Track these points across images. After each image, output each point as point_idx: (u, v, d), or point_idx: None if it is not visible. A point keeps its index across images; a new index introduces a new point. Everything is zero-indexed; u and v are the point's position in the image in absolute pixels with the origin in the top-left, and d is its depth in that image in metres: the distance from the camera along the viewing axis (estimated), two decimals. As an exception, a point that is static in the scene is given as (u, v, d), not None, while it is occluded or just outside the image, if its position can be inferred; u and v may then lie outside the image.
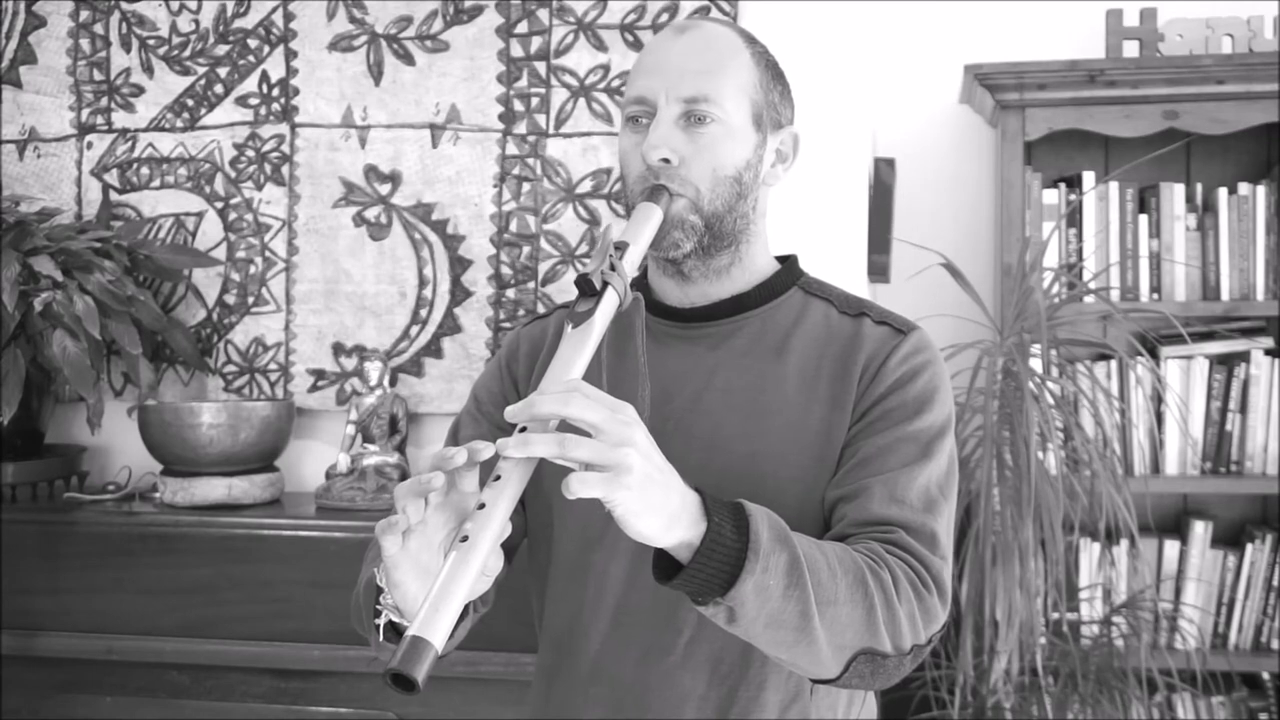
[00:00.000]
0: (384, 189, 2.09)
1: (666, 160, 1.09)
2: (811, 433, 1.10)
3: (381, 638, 0.98)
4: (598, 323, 0.97)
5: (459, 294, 2.07)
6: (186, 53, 2.16)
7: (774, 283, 1.19)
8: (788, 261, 1.22)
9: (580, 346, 0.95)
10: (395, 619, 0.95)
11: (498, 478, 0.86)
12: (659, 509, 0.87)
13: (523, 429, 0.88)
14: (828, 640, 0.94)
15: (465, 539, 0.83)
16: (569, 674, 1.16)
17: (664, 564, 0.94)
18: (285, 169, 2.13)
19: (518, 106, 2.05)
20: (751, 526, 0.91)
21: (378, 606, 0.97)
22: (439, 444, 2.10)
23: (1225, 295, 2.24)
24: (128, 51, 2.18)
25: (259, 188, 2.14)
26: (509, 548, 1.01)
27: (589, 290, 0.98)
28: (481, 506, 0.85)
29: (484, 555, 0.83)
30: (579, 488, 0.83)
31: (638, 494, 0.85)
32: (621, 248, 1.02)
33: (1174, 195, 2.26)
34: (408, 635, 0.79)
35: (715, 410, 1.11)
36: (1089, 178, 2.29)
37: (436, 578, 0.82)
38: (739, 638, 1.02)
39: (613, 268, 0.99)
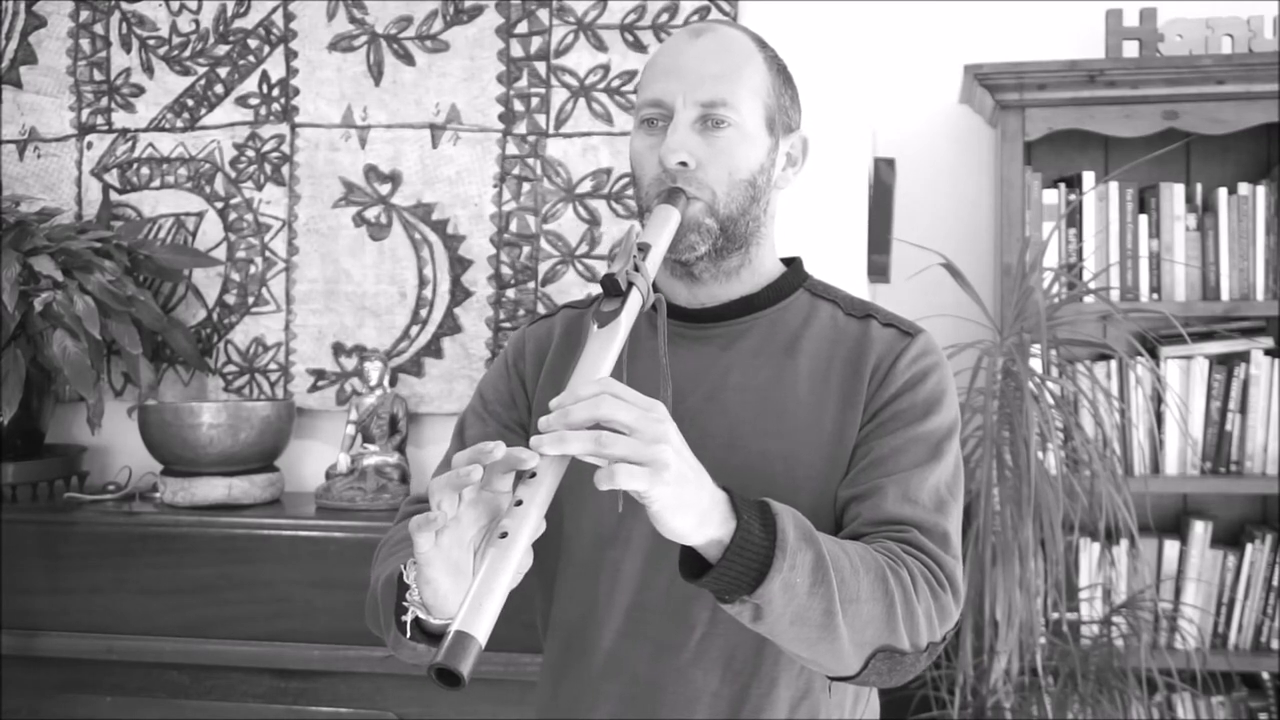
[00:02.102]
0: (384, 189, 2.09)
1: (684, 163, 1.10)
2: (824, 433, 1.11)
3: (408, 635, 0.97)
4: (624, 322, 0.98)
5: (459, 294, 2.07)
6: (186, 53, 2.16)
7: (781, 284, 1.20)
8: (793, 264, 1.24)
9: (607, 346, 0.96)
10: (422, 615, 0.95)
11: (532, 475, 0.87)
12: (691, 505, 0.89)
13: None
14: (850, 637, 0.96)
15: (504, 535, 0.84)
16: (580, 671, 1.16)
17: (688, 562, 0.95)
18: (285, 169, 2.13)
19: (518, 106, 2.05)
20: (779, 524, 0.93)
21: (403, 604, 0.97)
22: (439, 444, 2.10)
23: (1225, 295, 2.24)
24: (128, 51, 2.18)
25: (259, 188, 2.14)
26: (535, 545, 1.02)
27: (614, 290, 0.99)
28: (519, 503, 0.86)
29: (523, 550, 0.84)
30: (625, 480, 0.84)
31: (673, 490, 0.87)
32: (644, 249, 1.03)
33: (1174, 195, 2.26)
34: (451, 630, 0.79)
35: (730, 410, 1.12)
36: (1089, 178, 2.29)
37: (477, 573, 0.83)
38: (751, 635, 1.04)
39: (636, 268, 1.01)
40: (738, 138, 1.11)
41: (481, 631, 0.80)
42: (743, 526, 0.91)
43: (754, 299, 1.18)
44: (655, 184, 1.12)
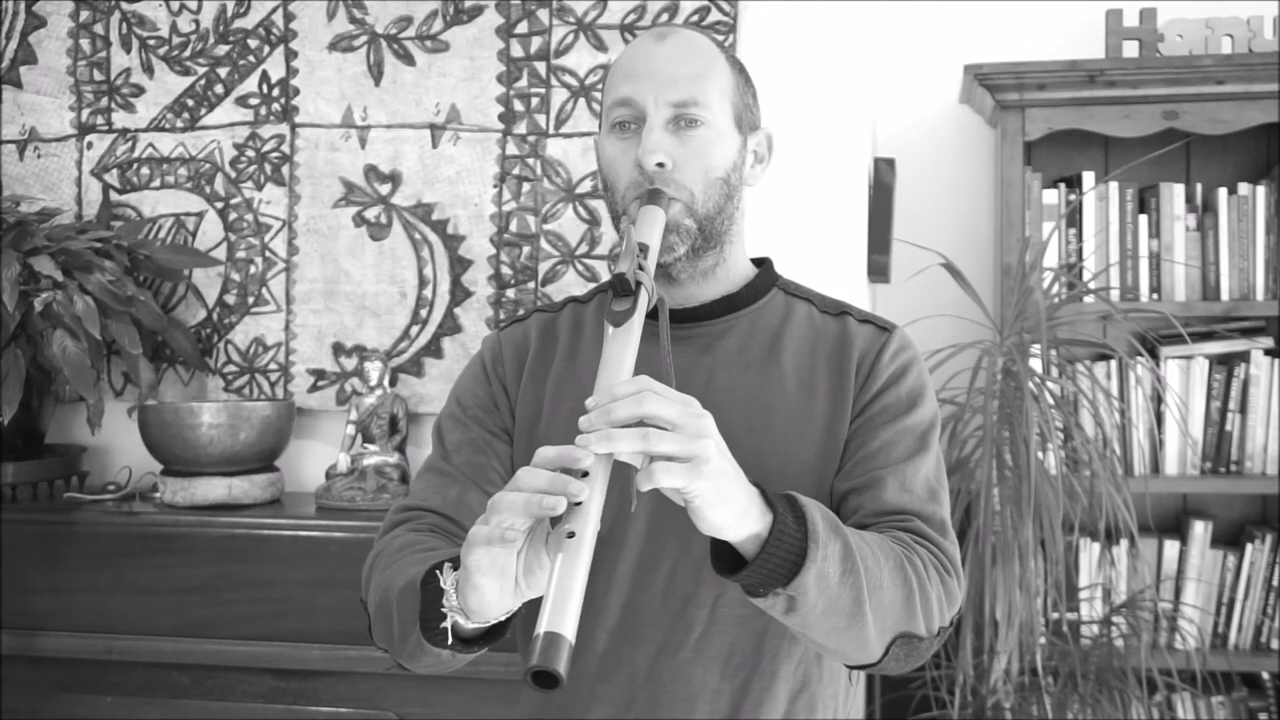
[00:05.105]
0: (384, 189, 2.09)
1: (661, 164, 1.10)
2: (816, 429, 1.13)
3: (449, 640, 0.96)
4: (637, 321, 0.99)
5: (459, 294, 2.07)
6: (186, 53, 2.16)
7: (757, 284, 1.22)
8: (764, 263, 1.26)
9: (626, 345, 0.98)
10: (461, 620, 0.94)
11: (584, 474, 0.88)
12: (731, 500, 0.90)
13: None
14: (874, 624, 0.98)
15: (571, 535, 0.85)
16: (572, 673, 1.15)
17: (716, 558, 0.96)
18: (285, 169, 2.13)
19: (518, 106, 2.05)
20: (808, 516, 0.95)
21: (441, 609, 0.95)
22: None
23: (1225, 295, 2.24)
24: (128, 51, 2.18)
25: (259, 188, 2.14)
26: None
27: (625, 290, 1.00)
28: (578, 503, 0.87)
29: (592, 548, 0.85)
30: (663, 478, 0.86)
31: (714, 484, 0.88)
32: (644, 249, 1.04)
33: (1174, 195, 2.26)
34: (540, 634, 0.80)
35: (719, 409, 1.12)
36: (1089, 178, 2.29)
37: (551, 576, 0.83)
38: (750, 631, 1.08)
39: (641, 267, 1.02)
40: (712, 136, 1.13)
41: (569, 630, 0.81)
42: (779, 519, 0.93)
43: (734, 299, 1.20)
44: (633, 187, 1.13)
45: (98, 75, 2.20)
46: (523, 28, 2.04)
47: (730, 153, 1.15)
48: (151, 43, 2.17)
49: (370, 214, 2.10)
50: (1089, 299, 2.20)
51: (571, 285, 2.02)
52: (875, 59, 2.28)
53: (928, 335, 1.94)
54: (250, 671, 1.83)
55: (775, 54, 1.95)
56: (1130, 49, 2.21)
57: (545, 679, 0.80)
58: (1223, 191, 2.25)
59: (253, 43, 2.13)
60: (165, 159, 2.17)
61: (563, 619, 0.81)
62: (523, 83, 2.05)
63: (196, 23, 2.15)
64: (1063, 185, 2.31)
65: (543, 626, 0.81)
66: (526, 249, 2.05)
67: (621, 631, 1.13)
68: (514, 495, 0.87)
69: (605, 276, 2.01)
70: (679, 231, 1.12)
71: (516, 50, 2.05)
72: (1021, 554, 1.95)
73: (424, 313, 2.08)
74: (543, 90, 2.04)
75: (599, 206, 2.02)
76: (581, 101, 2.02)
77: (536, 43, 2.04)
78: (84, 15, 2.20)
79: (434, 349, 2.09)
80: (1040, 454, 1.99)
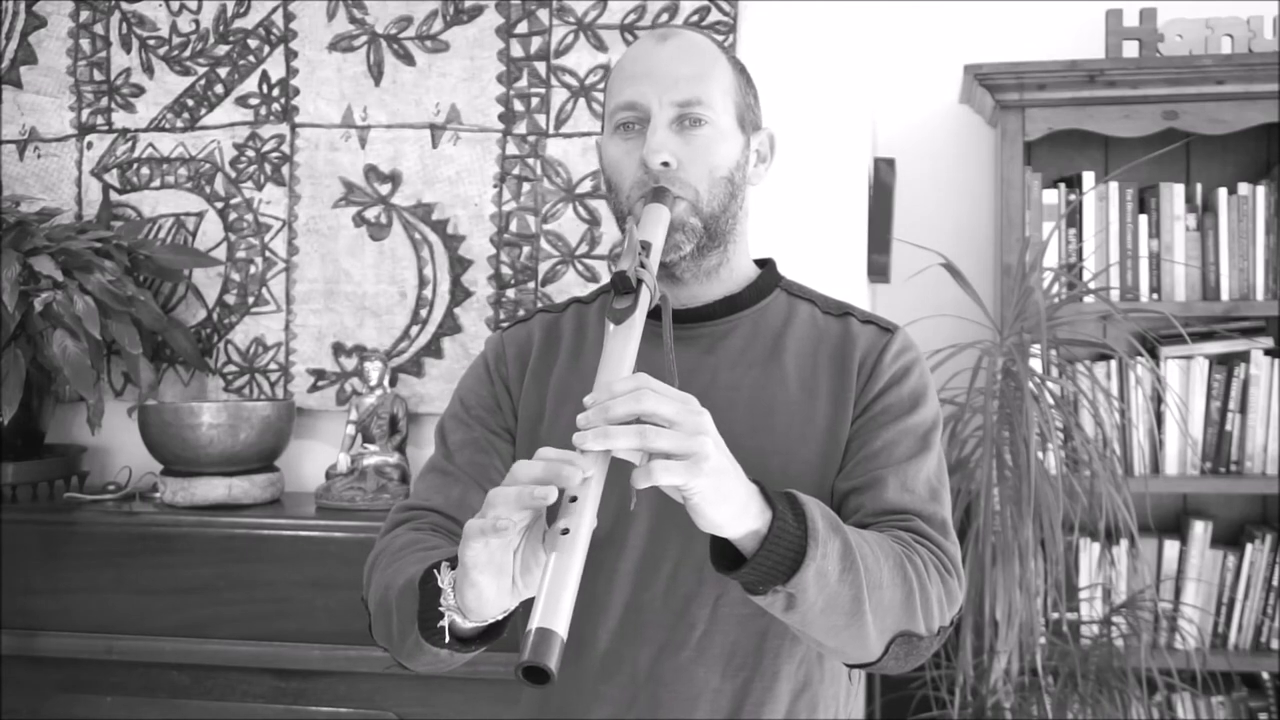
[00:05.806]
0: (384, 189, 2.09)
1: (666, 164, 1.11)
2: (818, 429, 1.14)
3: (446, 640, 0.96)
4: (638, 318, 0.99)
5: (459, 294, 2.07)
6: (186, 53, 2.16)
7: (760, 284, 1.23)
8: (767, 264, 1.26)
9: (627, 342, 0.98)
10: (459, 619, 0.94)
11: (581, 480, 0.87)
12: (731, 497, 0.91)
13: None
14: (874, 623, 0.98)
15: (566, 531, 0.85)
16: (574, 673, 1.16)
17: (716, 555, 0.96)
18: (285, 169, 2.13)
19: (518, 106, 2.05)
20: (808, 514, 0.95)
21: (438, 608, 0.95)
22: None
23: (1225, 295, 2.24)
24: (128, 51, 2.18)
25: (259, 188, 2.14)
26: None
27: (626, 287, 1.01)
28: (574, 499, 0.87)
29: (586, 544, 0.85)
30: (662, 475, 0.85)
31: (713, 480, 0.88)
32: (646, 246, 1.05)
33: (1174, 195, 2.26)
34: (532, 629, 0.80)
35: (721, 409, 1.12)
36: (1089, 178, 2.29)
37: (544, 573, 0.84)
38: (752, 630, 1.09)
39: (643, 265, 1.02)
40: (715, 135, 1.14)
41: (562, 626, 0.81)
42: (779, 517, 0.93)
43: (737, 299, 1.20)
44: (638, 186, 1.13)
45: (98, 75, 2.20)
46: (523, 28, 2.04)
47: (734, 152, 1.16)
48: (151, 43, 2.17)
49: (370, 214, 2.10)
50: (1089, 299, 2.20)
51: (572, 285, 2.02)
52: (875, 59, 2.29)
53: (928, 335, 1.94)
54: (250, 671, 1.83)
55: (775, 54, 1.95)
56: (1130, 49, 2.21)
57: (536, 674, 0.80)
58: (1223, 191, 2.25)
59: (253, 43, 2.13)
60: (165, 159, 2.17)
61: (555, 615, 0.81)
62: (523, 83, 2.05)
63: (196, 23, 2.15)
64: (1063, 185, 2.31)
65: (535, 622, 0.81)
66: (526, 249, 2.05)
67: (623, 631, 1.14)
68: (508, 489, 0.88)
69: (605, 276, 2.01)
70: (684, 230, 1.12)
71: (516, 50, 2.05)
72: (1021, 554, 1.95)
73: (424, 313, 2.08)
74: (543, 90, 2.04)
75: (599, 206, 2.02)
76: (582, 101, 2.02)
77: (536, 43, 2.04)
78: (84, 15, 2.20)
79: (434, 349, 2.09)
80: (1040, 454, 1.99)
